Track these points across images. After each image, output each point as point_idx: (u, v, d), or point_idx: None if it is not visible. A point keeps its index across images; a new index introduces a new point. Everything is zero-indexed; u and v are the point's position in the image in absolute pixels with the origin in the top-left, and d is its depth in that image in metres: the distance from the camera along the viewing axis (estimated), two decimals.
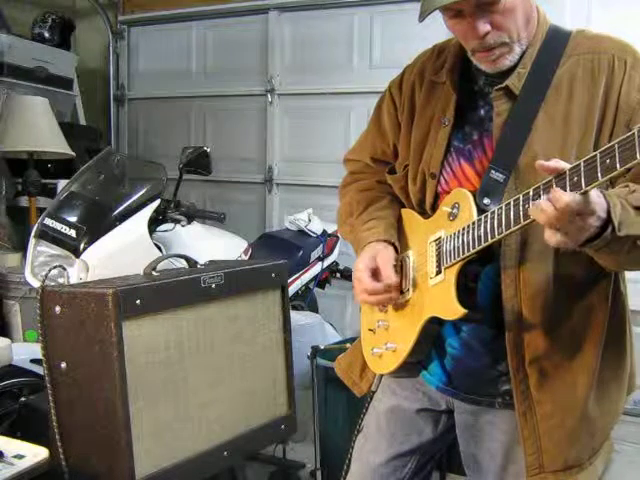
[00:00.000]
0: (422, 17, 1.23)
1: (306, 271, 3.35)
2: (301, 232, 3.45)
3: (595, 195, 1.03)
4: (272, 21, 4.39)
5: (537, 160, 1.21)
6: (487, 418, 1.36)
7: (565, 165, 1.03)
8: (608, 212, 1.05)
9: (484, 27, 1.20)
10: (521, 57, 1.27)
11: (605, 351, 1.31)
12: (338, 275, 3.62)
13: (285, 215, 3.80)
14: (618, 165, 0.94)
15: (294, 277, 3.21)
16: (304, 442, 2.86)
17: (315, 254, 3.39)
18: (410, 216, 1.44)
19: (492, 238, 1.16)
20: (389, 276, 1.34)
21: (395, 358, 1.39)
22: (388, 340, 1.41)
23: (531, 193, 1.08)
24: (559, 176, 1.03)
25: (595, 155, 0.98)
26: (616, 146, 0.95)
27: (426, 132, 1.39)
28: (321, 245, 3.42)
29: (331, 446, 2.45)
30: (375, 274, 1.35)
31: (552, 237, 1.05)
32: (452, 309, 1.23)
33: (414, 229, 1.41)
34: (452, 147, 1.35)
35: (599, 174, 0.97)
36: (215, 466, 1.83)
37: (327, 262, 3.47)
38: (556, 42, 1.29)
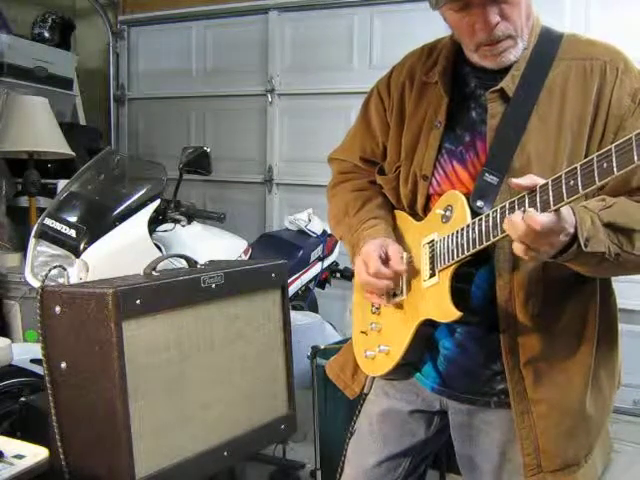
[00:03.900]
0: (438, 6, 1.24)
1: (306, 271, 3.35)
2: (301, 232, 3.45)
3: (565, 211, 1.05)
4: (272, 21, 4.39)
5: (531, 162, 1.22)
6: (483, 417, 1.36)
7: (539, 180, 1.05)
8: (576, 227, 1.07)
9: (495, 17, 1.20)
10: (515, 60, 1.27)
11: (598, 349, 1.31)
12: (338, 275, 3.62)
13: (285, 215, 3.80)
14: (597, 180, 0.96)
15: (294, 277, 3.21)
16: (304, 442, 2.86)
17: (315, 254, 3.39)
18: (402, 218, 1.43)
19: (487, 241, 1.16)
20: (398, 264, 1.31)
21: (389, 360, 1.38)
22: (381, 342, 1.40)
23: (526, 197, 1.08)
24: (541, 188, 1.05)
25: (560, 176, 1.01)
26: (594, 159, 0.97)
27: (417, 134, 1.38)
28: (321, 245, 3.42)
29: (331, 446, 2.45)
30: (383, 262, 1.33)
31: (521, 252, 1.08)
32: (447, 312, 1.23)
33: (406, 231, 1.41)
34: (444, 149, 1.34)
35: (580, 187, 0.99)
36: (215, 466, 1.82)
37: (327, 262, 3.47)
38: (548, 45, 1.29)
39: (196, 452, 1.73)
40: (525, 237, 1.05)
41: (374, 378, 1.48)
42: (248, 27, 4.49)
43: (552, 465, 1.29)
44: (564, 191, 1.01)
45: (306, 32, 4.31)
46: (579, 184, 0.99)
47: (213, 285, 1.78)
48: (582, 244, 1.07)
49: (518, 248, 1.08)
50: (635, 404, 3.30)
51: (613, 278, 1.36)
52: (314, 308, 3.59)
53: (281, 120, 4.44)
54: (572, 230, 1.07)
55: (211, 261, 1.99)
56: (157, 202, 2.35)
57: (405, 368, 1.41)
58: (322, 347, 2.52)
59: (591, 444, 1.34)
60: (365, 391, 1.50)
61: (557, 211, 1.03)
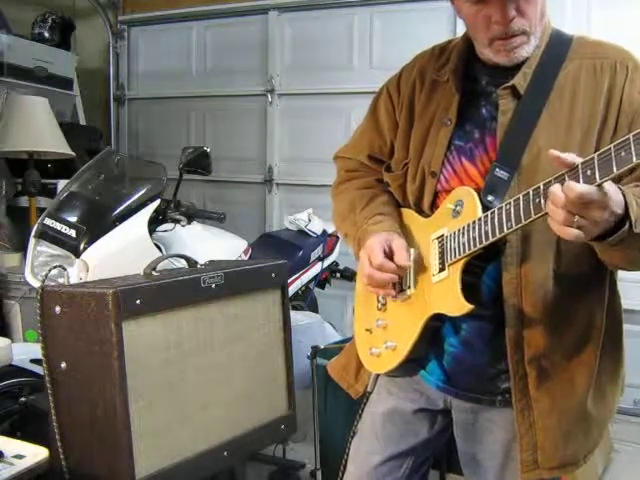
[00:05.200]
0: None
1: (306, 271, 3.34)
2: (301, 232, 3.45)
3: (612, 190, 1.03)
4: (272, 21, 4.39)
5: (540, 158, 1.22)
6: (487, 416, 1.36)
7: (578, 159, 1.03)
8: (626, 208, 1.05)
9: (512, 12, 1.22)
10: (527, 57, 1.28)
11: (603, 351, 1.32)
12: (338, 275, 3.62)
13: (285, 215, 3.80)
14: (634, 158, 0.94)
15: (294, 277, 3.21)
16: (304, 442, 2.86)
17: (315, 254, 3.39)
18: (409, 215, 1.44)
19: (500, 233, 1.16)
20: (403, 258, 1.31)
21: (395, 356, 1.38)
22: (387, 338, 1.40)
23: (542, 187, 1.08)
24: (571, 170, 1.03)
25: (609, 148, 0.98)
26: (631, 139, 0.95)
27: (427, 131, 1.39)
28: (321, 245, 3.42)
29: (331, 446, 2.45)
30: (387, 256, 1.33)
31: (564, 230, 1.05)
32: (458, 305, 1.23)
33: (413, 227, 1.41)
34: (453, 146, 1.35)
35: (614, 167, 0.97)
36: (215, 466, 1.83)
37: (327, 262, 3.47)
38: (559, 45, 1.31)
39: (196, 452, 1.73)
40: (564, 208, 1.02)
41: (378, 377, 1.48)
42: (248, 27, 4.49)
43: (549, 463, 1.29)
44: (581, 182, 1.01)
45: (306, 32, 4.31)
46: (596, 174, 0.99)
47: (213, 285, 1.78)
48: (633, 224, 1.06)
49: (560, 228, 1.05)
50: (635, 404, 3.30)
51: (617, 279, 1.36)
52: (314, 308, 3.59)
53: (281, 120, 4.44)
54: (619, 211, 1.05)
55: (211, 261, 1.99)
56: (157, 202, 2.35)
57: (410, 365, 1.41)
58: (322, 347, 2.52)
59: (591, 446, 1.34)
60: (369, 390, 1.50)
61: (600, 186, 1.01)
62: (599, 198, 1.01)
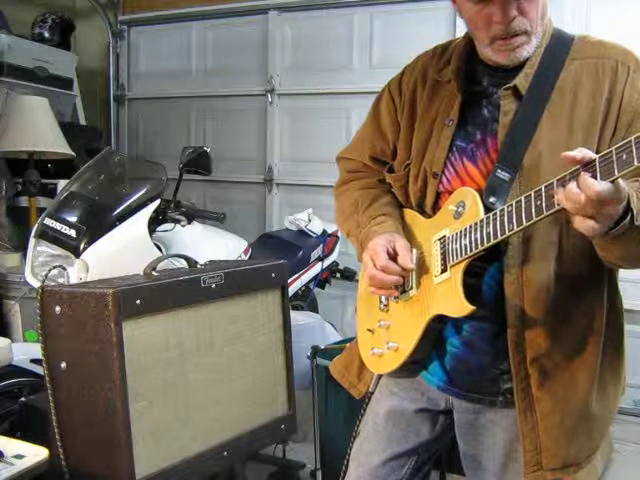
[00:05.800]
0: None
1: (306, 271, 3.34)
2: (301, 232, 3.45)
3: (622, 183, 1.03)
4: (272, 21, 4.40)
5: (542, 159, 1.22)
6: (489, 416, 1.36)
7: (591, 154, 1.02)
8: (628, 200, 1.06)
9: (513, 11, 1.22)
10: (528, 57, 1.28)
11: (605, 351, 1.32)
12: (338, 275, 3.62)
13: (285, 215, 3.80)
14: (635, 161, 0.94)
15: (294, 277, 3.21)
16: (304, 442, 2.86)
17: (315, 254, 3.39)
18: (411, 215, 1.44)
19: (502, 235, 1.16)
20: (407, 261, 1.32)
21: (397, 357, 1.38)
22: (389, 339, 1.40)
23: (543, 189, 1.09)
24: (573, 172, 1.03)
25: (611, 151, 0.98)
26: (633, 141, 0.95)
27: (429, 132, 1.39)
28: (321, 245, 3.41)
29: (331, 446, 2.45)
30: (391, 257, 1.33)
31: (582, 224, 1.05)
32: (459, 307, 1.23)
33: (416, 228, 1.41)
34: (454, 146, 1.35)
35: (615, 170, 0.97)
36: (215, 466, 1.83)
37: (327, 262, 3.47)
38: (560, 45, 1.31)
39: (196, 452, 1.73)
40: (586, 204, 1.02)
41: (380, 377, 1.48)
42: (248, 27, 4.49)
43: (552, 463, 1.29)
44: (598, 177, 1.00)
45: (306, 32, 4.31)
46: (598, 177, 0.99)
47: (213, 285, 1.78)
48: (635, 216, 1.06)
49: (577, 220, 1.04)
50: (635, 404, 3.30)
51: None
52: (314, 308, 3.59)
53: (281, 120, 4.44)
54: (625, 202, 1.05)
55: (211, 261, 1.99)
56: (157, 202, 2.35)
57: (412, 366, 1.41)
58: (322, 347, 2.52)
59: (593, 446, 1.34)
60: (370, 390, 1.50)
61: (614, 182, 1.00)
62: (616, 195, 1.01)
